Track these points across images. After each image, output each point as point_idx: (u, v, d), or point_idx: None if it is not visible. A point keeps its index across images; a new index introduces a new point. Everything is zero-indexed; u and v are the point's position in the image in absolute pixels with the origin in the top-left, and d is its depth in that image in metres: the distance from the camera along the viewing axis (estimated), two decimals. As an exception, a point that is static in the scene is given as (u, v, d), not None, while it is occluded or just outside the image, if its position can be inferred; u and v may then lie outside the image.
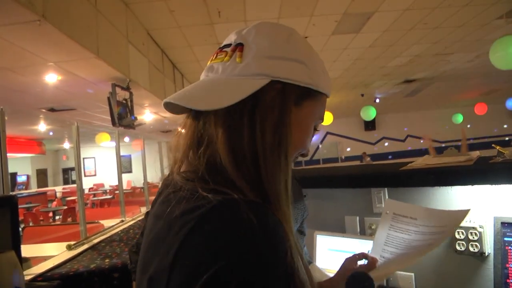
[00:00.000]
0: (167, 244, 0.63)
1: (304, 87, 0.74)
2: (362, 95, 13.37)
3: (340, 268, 1.12)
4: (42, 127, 10.99)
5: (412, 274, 1.54)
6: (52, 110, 7.53)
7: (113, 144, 5.44)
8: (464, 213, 1.04)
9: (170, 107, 0.78)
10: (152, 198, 1.58)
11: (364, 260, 1.12)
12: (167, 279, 0.59)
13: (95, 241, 3.37)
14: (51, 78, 4.98)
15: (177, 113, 0.81)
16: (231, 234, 0.56)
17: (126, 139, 12.90)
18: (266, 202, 0.66)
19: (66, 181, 19.91)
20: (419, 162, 1.70)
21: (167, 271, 0.59)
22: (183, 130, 0.82)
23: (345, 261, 1.13)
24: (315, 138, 18.48)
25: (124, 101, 5.43)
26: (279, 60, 0.73)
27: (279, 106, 0.71)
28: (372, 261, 1.10)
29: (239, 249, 0.55)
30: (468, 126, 18.90)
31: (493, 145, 1.60)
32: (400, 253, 1.10)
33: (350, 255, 1.15)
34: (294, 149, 0.75)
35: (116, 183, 6.62)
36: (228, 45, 0.76)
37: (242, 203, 0.59)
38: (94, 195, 14.55)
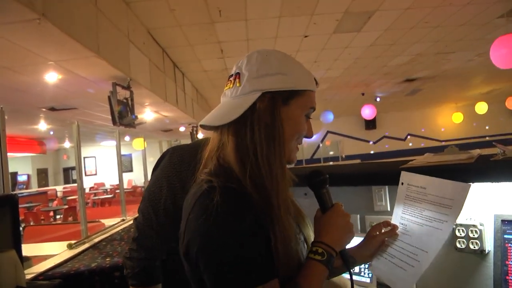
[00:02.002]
0: (183, 218, 1.05)
1: (288, 90, 1.05)
2: (363, 94, 13.36)
3: (366, 236, 1.31)
4: (42, 126, 10.99)
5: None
6: (52, 109, 7.52)
7: (114, 143, 5.45)
8: (466, 186, 1.15)
9: (205, 127, 1.12)
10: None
11: (388, 227, 1.29)
12: (182, 240, 1.02)
13: (96, 240, 3.37)
14: (52, 77, 4.97)
15: (210, 129, 1.13)
16: (203, 212, 0.94)
17: (127, 138, 12.91)
18: (264, 189, 0.99)
19: (66, 181, 19.92)
20: (420, 160, 1.70)
21: (182, 236, 1.03)
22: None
23: (370, 229, 1.31)
24: (316, 137, 18.50)
25: (124, 100, 5.43)
26: (264, 77, 1.04)
27: (270, 109, 1.02)
28: (393, 227, 1.29)
29: (208, 222, 0.92)
30: (474, 124, 18.92)
31: (493, 143, 1.60)
32: (415, 222, 1.24)
33: None
34: (291, 137, 1.07)
35: (117, 182, 6.63)
36: (232, 75, 1.10)
37: (217, 188, 0.95)
38: (95, 194, 14.58)
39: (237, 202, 0.95)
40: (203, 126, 1.11)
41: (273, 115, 1.02)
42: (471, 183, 1.14)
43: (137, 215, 1.63)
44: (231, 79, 1.09)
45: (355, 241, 1.65)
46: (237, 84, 1.06)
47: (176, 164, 1.56)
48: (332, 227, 1.10)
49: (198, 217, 0.94)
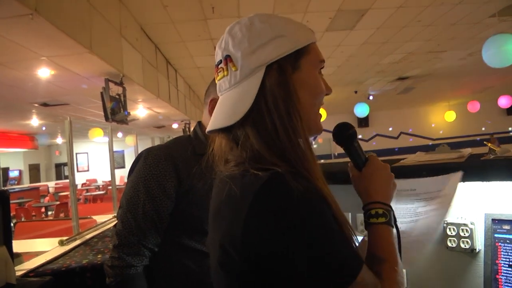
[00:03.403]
0: (230, 216, 0.81)
1: (293, 52, 0.88)
2: (356, 92, 13.40)
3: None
4: (34, 122, 10.92)
5: (404, 270, 1.55)
6: (45, 104, 7.48)
7: (106, 139, 5.43)
8: (456, 176, 1.16)
9: (214, 131, 0.94)
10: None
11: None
12: (241, 243, 0.76)
13: (88, 236, 3.36)
14: (44, 72, 4.94)
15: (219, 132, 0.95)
16: (283, 200, 0.74)
17: (119, 134, 12.86)
18: (305, 171, 0.82)
19: (59, 176, 19.83)
20: (411, 159, 1.71)
21: (240, 237, 0.77)
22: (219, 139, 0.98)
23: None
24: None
25: (117, 96, 5.41)
26: (261, 48, 0.86)
27: (282, 81, 0.85)
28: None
29: (291, 212, 0.73)
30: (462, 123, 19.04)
31: (484, 142, 1.61)
32: (410, 221, 1.19)
33: None
34: (313, 103, 0.92)
35: (109, 178, 6.62)
36: (220, 61, 0.91)
37: (286, 174, 0.76)
38: (87, 190, 14.51)
39: (310, 186, 0.77)
40: (211, 132, 0.93)
41: (287, 86, 0.85)
42: (461, 171, 1.16)
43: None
44: (221, 66, 0.90)
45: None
46: (233, 69, 0.88)
47: (152, 167, 1.51)
48: (379, 182, 1.00)
49: (275, 211, 0.74)
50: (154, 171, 1.50)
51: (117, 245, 1.49)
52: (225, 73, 0.89)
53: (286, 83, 0.85)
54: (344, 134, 1.04)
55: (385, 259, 0.87)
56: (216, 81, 0.93)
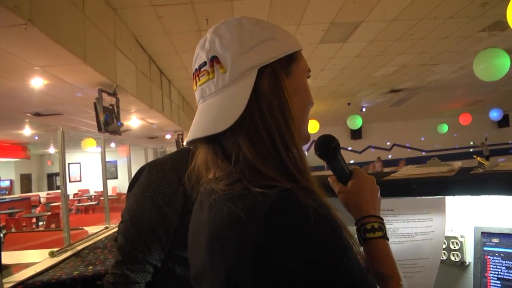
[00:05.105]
0: (237, 243, 0.70)
1: (284, 56, 0.81)
2: (349, 104, 13.46)
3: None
4: (27, 131, 10.87)
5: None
6: (37, 114, 7.45)
7: (99, 149, 5.42)
8: (441, 200, 1.17)
9: (194, 142, 0.85)
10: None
11: None
12: (253, 272, 0.67)
13: (79, 248, 3.33)
14: (37, 82, 4.93)
15: (196, 142, 0.86)
16: (300, 220, 0.66)
17: (112, 144, 12.82)
18: (297, 182, 0.76)
19: (50, 187, 19.68)
20: (401, 172, 1.72)
21: (251, 265, 0.67)
22: (199, 151, 0.90)
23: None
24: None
25: (110, 107, 5.40)
26: (253, 49, 0.79)
27: (276, 86, 0.79)
28: None
29: (311, 232, 0.66)
30: (455, 135, 19.18)
31: (474, 156, 1.63)
32: (393, 242, 1.17)
33: None
34: (304, 111, 0.86)
35: (101, 189, 6.58)
36: (203, 64, 0.81)
37: (295, 190, 0.69)
38: (79, 201, 14.41)
39: (321, 202, 0.70)
40: (190, 143, 0.85)
41: (282, 92, 0.79)
42: (445, 196, 1.18)
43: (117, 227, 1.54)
44: (205, 68, 0.81)
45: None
46: (220, 71, 0.78)
47: (157, 182, 1.45)
48: (369, 195, 0.97)
49: (291, 233, 0.66)
50: (160, 186, 1.45)
51: (120, 261, 1.43)
52: (211, 76, 0.80)
53: (281, 89, 0.79)
54: (327, 146, 0.99)
55: (389, 275, 0.85)
56: (196, 86, 0.84)
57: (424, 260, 1.19)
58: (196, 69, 0.84)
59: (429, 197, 1.21)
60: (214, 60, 0.79)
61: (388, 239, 0.91)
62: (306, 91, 0.86)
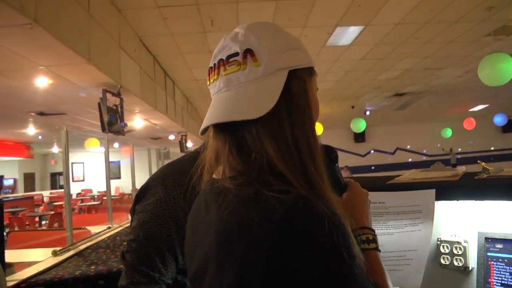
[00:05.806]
0: (246, 244, 0.71)
1: (308, 67, 0.85)
2: (353, 107, 13.45)
3: None
4: (31, 130, 10.90)
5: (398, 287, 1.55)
6: (41, 114, 7.48)
7: (103, 149, 5.42)
8: (430, 192, 1.21)
9: (205, 130, 0.85)
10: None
11: None
12: (262, 272, 0.67)
13: (81, 247, 3.33)
14: (42, 82, 4.94)
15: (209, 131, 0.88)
16: (315, 225, 0.67)
17: (116, 145, 12.83)
18: (313, 187, 0.76)
19: (54, 186, 19.73)
20: (405, 176, 1.72)
21: (261, 266, 0.67)
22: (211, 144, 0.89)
23: None
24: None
25: (114, 107, 5.42)
26: (287, 52, 0.82)
27: (304, 90, 0.82)
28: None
29: (325, 237, 0.66)
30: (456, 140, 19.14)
31: (478, 161, 1.62)
32: (382, 233, 1.27)
33: None
34: (315, 121, 0.85)
35: (104, 189, 6.58)
36: (234, 54, 0.81)
37: (311, 196, 0.70)
38: (82, 200, 14.42)
39: (334, 210, 0.71)
40: (205, 130, 0.85)
41: (307, 96, 0.82)
42: (434, 189, 1.22)
43: (126, 222, 1.45)
44: (236, 59, 0.81)
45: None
46: (254, 64, 0.79)
47: (176, 196, 1.30)
48: (364, 208, 0.99)
49: (306, 239, 0.67)
50: (180, 201, 1.29)
51: (135, 282, 1.28)
52: (242, 66, 0.80)
53: (307, 93, 0.82)
54: (327, 157, 0.97)
55: (381, 286, 0.85)
56: (217, 76, 0.84)
57: (413, 252, 1.23)
58: (221, 59, 0.83)
59: (419, 190, 1.28)
60: (248, 52, 0.80)
61: (380, 251, 0.93)
62: (317, 104, 0.88)
